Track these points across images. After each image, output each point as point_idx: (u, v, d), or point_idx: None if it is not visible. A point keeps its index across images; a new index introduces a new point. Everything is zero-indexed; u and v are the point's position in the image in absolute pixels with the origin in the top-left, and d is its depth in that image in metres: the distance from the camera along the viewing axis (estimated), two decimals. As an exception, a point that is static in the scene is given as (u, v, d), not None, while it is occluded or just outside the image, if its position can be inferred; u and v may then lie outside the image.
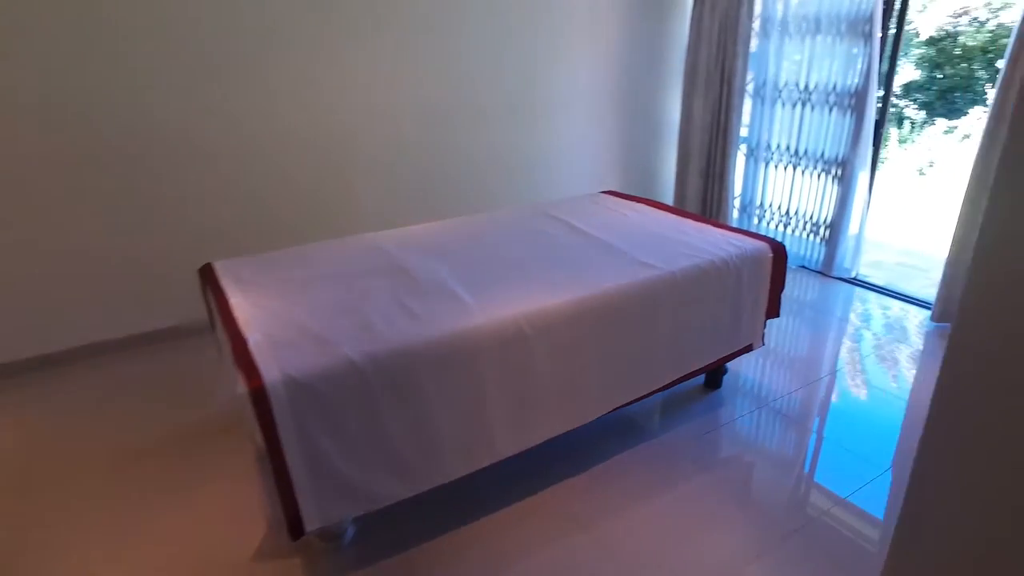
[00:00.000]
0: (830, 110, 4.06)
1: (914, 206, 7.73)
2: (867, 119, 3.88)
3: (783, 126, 4.36)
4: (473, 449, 2.04)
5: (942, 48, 10.68)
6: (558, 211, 3.09)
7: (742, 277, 2.57)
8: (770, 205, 4.57)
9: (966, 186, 3.41)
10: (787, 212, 4.48)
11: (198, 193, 3.33)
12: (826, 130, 4.11)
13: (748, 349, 2.77)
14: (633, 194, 4.85)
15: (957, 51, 10.61)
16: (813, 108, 4.15)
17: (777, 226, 4.57)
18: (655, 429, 2.72)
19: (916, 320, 3.76)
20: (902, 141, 10.20)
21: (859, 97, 3.89)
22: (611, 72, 4.52)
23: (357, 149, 3.69)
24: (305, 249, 2.62)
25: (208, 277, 2.39)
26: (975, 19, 10.43)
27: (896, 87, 11.73)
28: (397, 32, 3.62)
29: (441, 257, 2.48)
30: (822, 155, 4.17)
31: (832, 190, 4.17)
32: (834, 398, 2.96)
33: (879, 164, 4.07)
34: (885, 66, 3.91)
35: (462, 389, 1.95)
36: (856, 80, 3.89)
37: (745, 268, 2.57)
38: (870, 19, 3.75)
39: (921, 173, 9.75)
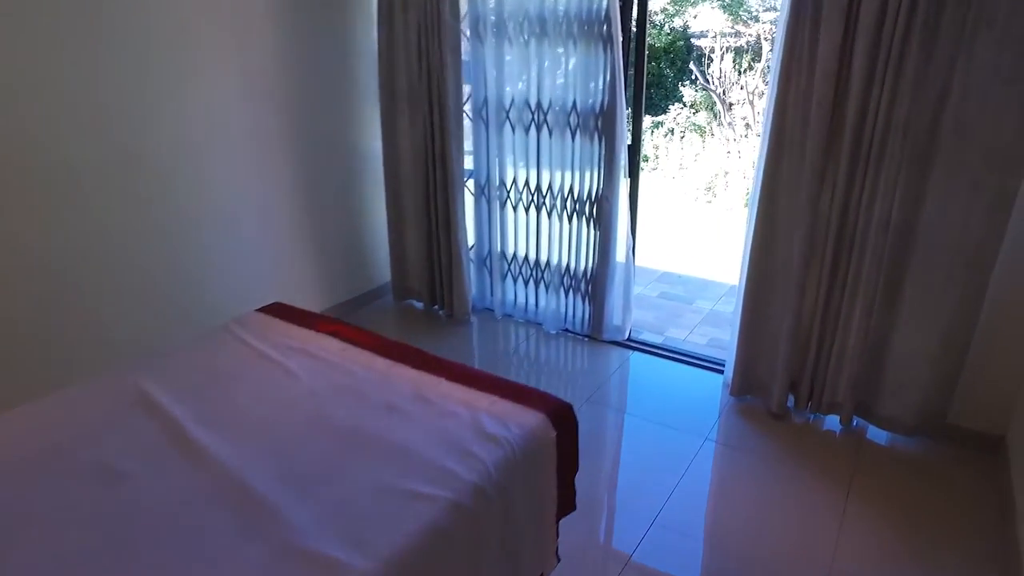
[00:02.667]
0: (572, 135, 3.10)
1: (647, 209, 7.48)
2: (619, 144, 2.98)
3: (517, 156, 3.33)
4: None
5: (632, 48, 10.94)
6: (163, 381, 1.62)
7: (512, 498, 1.38)
8: (514, 256, 3.54)
9: (753, 230, 2.63)
10: (537, 264, 3.48)
11: None
12: (571, 160, 3.15)
13: (538, 583, 1.61)
14: (334, 269, 3.50)
15: (646, 52, 10.96)
16: (551, 133, 3.16)
17: (527, 282, 3.55)
18: None
19: (712, 394, 2.97)
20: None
21: (606, 117, 2.98)
22: (278, 93, 3.10)
23: None
24: None
25: None
26: (655, 23, 10.87)
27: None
28: None
29: None
30: (570, 192, 3.21)
31: (589, 235, 3.24)
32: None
33: (639, 198, 3.23)
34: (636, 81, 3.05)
35: None
36: (600, 96, 2.97)
37: (518, 478, 1.38)
38: (606, 19, 2.84)
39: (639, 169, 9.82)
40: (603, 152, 3.03)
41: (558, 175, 3.20)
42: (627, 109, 3.00)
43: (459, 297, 3.53)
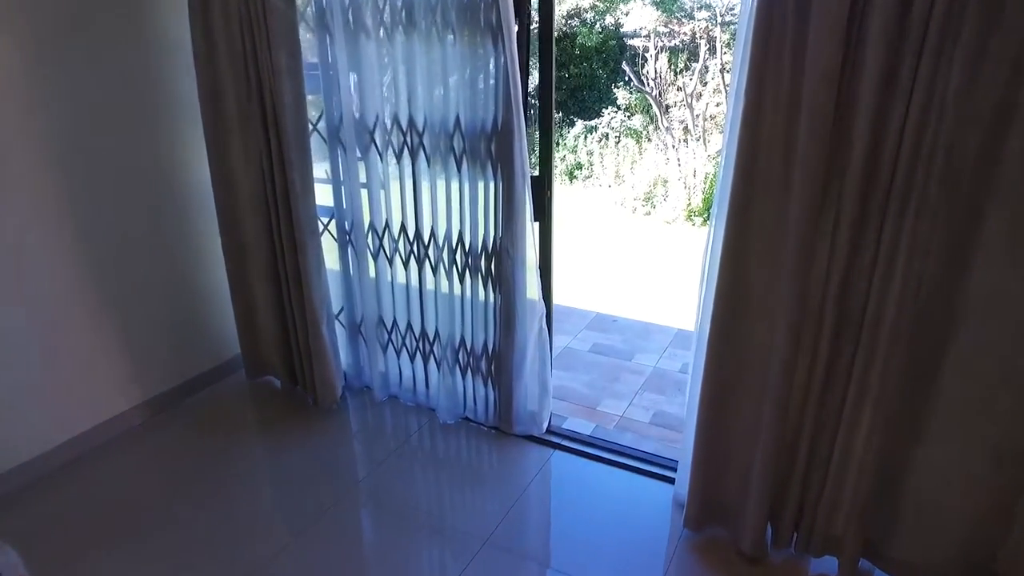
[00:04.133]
0: (458, 164, 2.22)
1: (579, 226, 6.63)
2: (519, 175, 2.10)
3: (388, 192, 2.42)
4: None
5: (563, 48, 10.19)
6: None
7: None
8: (395, 323, 2.63)
9: (713, 295, 1.79)
10: (423, 334, 2.59)
11: None
12: (457, 198, 2.27)
13: None
14: (160, 344, 2.50)
15: (577, 51, 10.22)
16: (430, 161, 2.27)
17: (414, 356, 2.65)
18: None
19: (659, 519, 2.13)
20: (546, 145, 9.39)
21: (501, 139, 2.10)
22: (42, 115, 2.12)
23: None
24: None
25: None
26: (585, 21, 10.15)
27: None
28: None
29: None
30: (459, 241, 2.32)
31: (487, 299, 2.36)
32: None
33: (553, 253, 2.36)
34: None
35: None
36: (492, 110, 2.09)
37: None
38: (494, 2, 1.96)
39: (572, 177, 9.01)
40: (499, 187, 2.15)
41: (443, 218, 2.30)
42: (533, 126, 2.14)
43: (322, 377, 2.60)
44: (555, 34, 2.05)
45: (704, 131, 7.60)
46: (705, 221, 6.83)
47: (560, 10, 9.72)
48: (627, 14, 9.96)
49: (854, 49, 1.39)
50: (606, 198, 7.90)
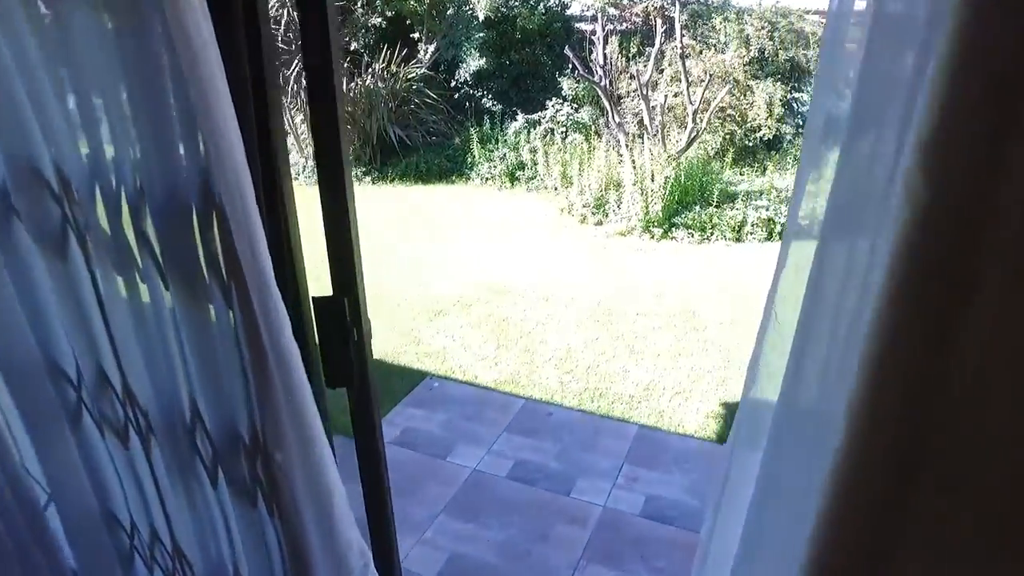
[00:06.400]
0: (162, 272, 1.01)
1: (512, 245, 5.43)
2: (264, 303, 0.91)
3: (61, 306, 1.21)
4: None
5: (503, 31, 8.99)
6: None
7: None
8: (134, 526, 1.42)
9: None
10: (178, 553, 1.38)
11: None
12: (175, 338, 1.07)
13: None
14: None
15: (518, 35, 9.03)
16: (106, 258, 1.06)
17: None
18: None
19: None
20: (485, 141, 8.16)
21: (219, 221, 0.90)
22: None
23: None
24: None
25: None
26: (525, 1, 8.97)
27: (467, 76, 9.68)
28: None
29: None
30: (197, 418, 1.12)
31: (265, 529, 1.17)
32: None
33: (383, 452, 1.16)
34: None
35: None
36: (191, 157, 0.89)
37: None
38: None
39: (513, 179, 7.81)
40: (236, 322, 0.95)
41: (162, 371, 1.10)
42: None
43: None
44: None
45: (662, 126, 6.49)
46: (666, 233, 5.71)
47: (494, -12, 8.44)
48: (571, -10, 8.79)
49: None
50: (552, 204, 6.76)
